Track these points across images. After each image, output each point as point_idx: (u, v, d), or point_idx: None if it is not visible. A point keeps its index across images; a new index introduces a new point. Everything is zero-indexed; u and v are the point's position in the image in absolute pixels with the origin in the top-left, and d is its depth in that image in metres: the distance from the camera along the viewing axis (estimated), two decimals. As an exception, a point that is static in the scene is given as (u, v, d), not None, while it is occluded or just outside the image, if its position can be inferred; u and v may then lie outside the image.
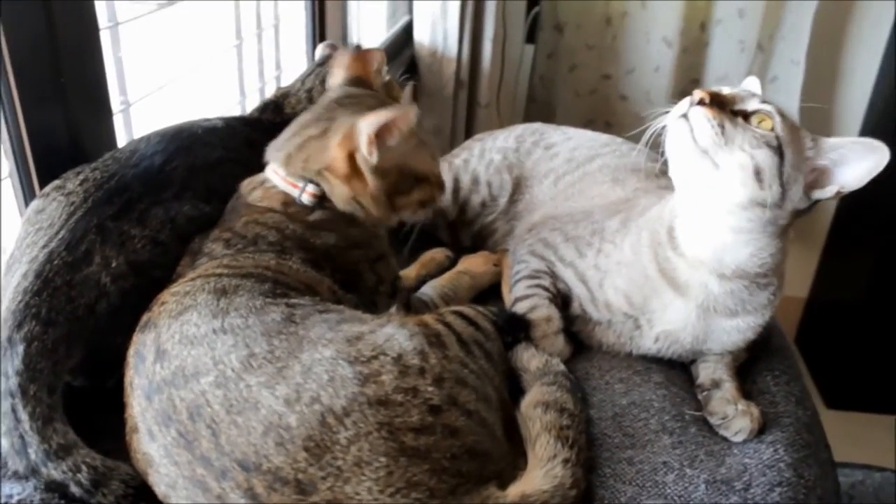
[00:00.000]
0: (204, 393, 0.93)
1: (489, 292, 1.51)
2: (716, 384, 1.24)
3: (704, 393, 1.23)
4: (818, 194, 1.15)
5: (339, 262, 1.22)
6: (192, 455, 0.91)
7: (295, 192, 1.19)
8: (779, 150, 1.09)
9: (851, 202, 3.21)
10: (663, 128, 1.16)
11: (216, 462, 0.90)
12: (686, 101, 1.12)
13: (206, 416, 0.92)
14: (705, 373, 1.27)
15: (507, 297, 1.43)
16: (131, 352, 1.02)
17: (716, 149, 1.09)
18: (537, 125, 1.69)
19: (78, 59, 1.24)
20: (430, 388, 0.97)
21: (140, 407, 0.98)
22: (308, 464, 0.88)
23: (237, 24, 1.87)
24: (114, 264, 1.10)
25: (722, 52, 3.08)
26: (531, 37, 3.18)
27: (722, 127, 1.09)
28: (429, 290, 1.45)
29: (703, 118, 1.09)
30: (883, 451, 2.95)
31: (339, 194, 1.20)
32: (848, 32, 3.16)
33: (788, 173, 1.11)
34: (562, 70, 3.18)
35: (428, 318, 1.13)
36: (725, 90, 1.15)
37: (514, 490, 0.97)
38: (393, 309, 1.26)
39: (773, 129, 1.10)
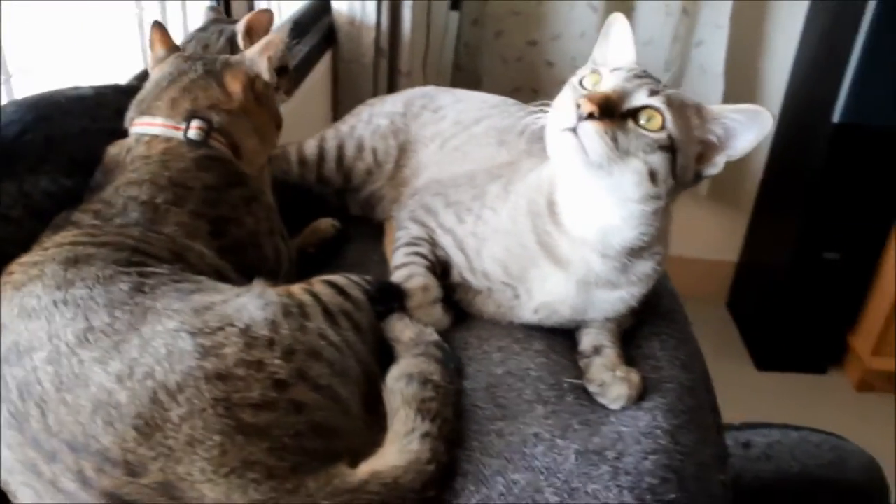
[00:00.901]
0: (35, 369, 0.87)
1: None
2: (597, 351, 1.18)
3: (585, 360, 1.17)
4: (708, 170, 1.09)
5: (219, 209, 1.17)
6: (24, 437, 0.85)
7: (179, 133, 1.18)
8: (671, 148, 1.02)
9: (778, 165, 3.22)
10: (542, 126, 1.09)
11: (45, 444, 0.84)
12: (571, 110, 1.00)
13: (36, 395, 0.86)
14: (587, 339, 1.21)
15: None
16: None
17: (610, 163, 1.01)
18: (429, 88, 1.60)
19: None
20: (276, 362, 0.91)
21: None
22: (137, 444, 0.82)
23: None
24: None
25: (647, 17, 3.01)
26: (455, 4, 3.09)
27: (615, 140, 1.00)
28: None
29: (595, 135, 0.98)
30: (810, 410, 2.96)
31: (237, 125, 1.24)
32: (770, -3, 3.12)
33: (681, 165, 1.04)
34: (487, 37, 3.09)
35: (295, 287, 1.07)
36: (610, 83, 1.04)
37: (365, 468, 0.91)
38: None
39: (664, 127, 1.02)
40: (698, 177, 1.10)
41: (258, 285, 1.04)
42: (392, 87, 2.74)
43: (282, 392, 0.89)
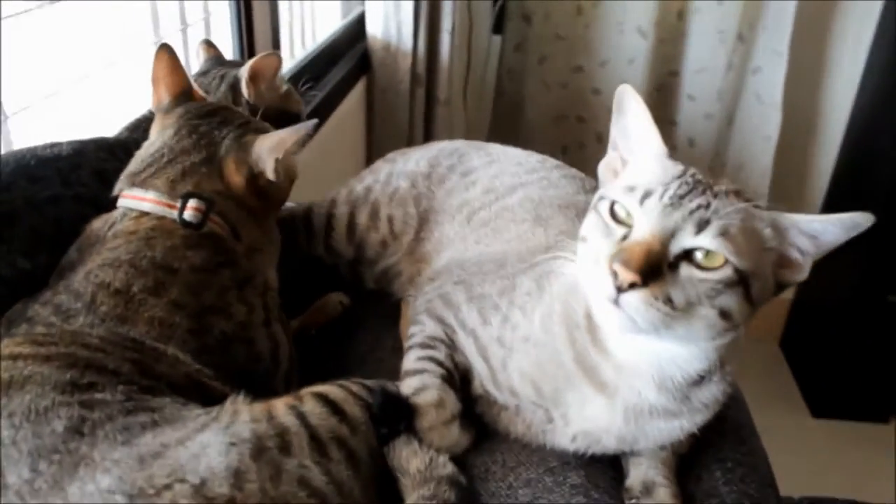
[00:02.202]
0: None
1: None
2: (647, 490, 0.92)
3: (633, 501, 0.92)
4: (793, 278, 0.82)
5: (203, 297, 0.96)
6: None
7: (172, 213, 1.00)
8: (742, 280, 0.77)
9: (840, 198, 2.90)
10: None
11: None
12: (606, 281, 0.76)
13: None
14: (636, 473, 0.95)
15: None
16: None
17: (669, 321, 0.75)
18: (459, 143, 1.33)
19: None
20: None
21: None
22: None
23: (154, 20, 1.53)
24: None
25: (700, 43, 2.73)
26: (498, 28, 2.84)
27: (669, 302, 0.75)
28: None
29: (642, 305, 0.74)
30: (871, 463, 2.65)
31: (235, 212, 1.07)
32: (834, 21, 2.81)
33: (757, 289, 0.78)
34: (531, 62, 2.85)
35: (279, 405, 0.84)
36: (645, 224, 0.77)
37: None
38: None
39: (726, 262, 0.76)
40: (781, 287, 0.83)
41: (231, 407, 0.81)
42: (429, 116, 2.52)
43: None
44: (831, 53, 2.84)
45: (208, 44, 1.44)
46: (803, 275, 0.82)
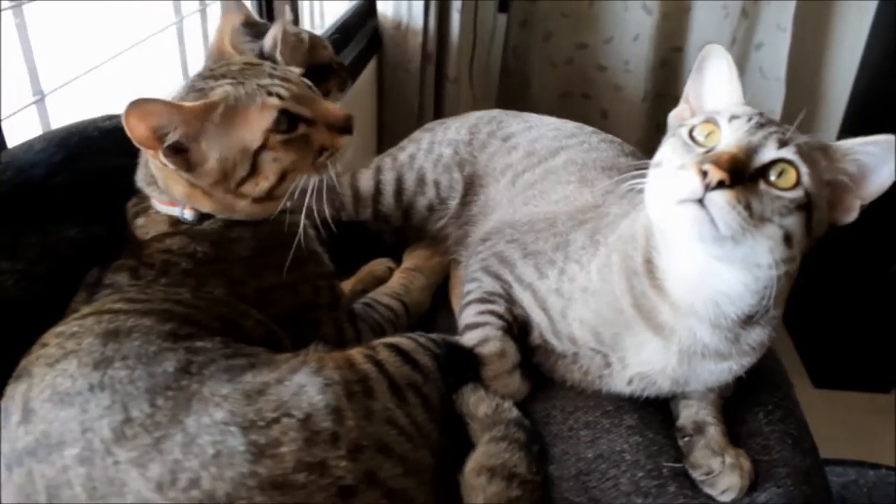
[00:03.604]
0: (66, 469, 0.73)
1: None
2: (699, 428, 1.01)
3: (686, 439, 1.00)
4: (842, 218, 0.91)
5: (265, 279, 1.00)
6: None
7: (176, 211, 1.00)
8: (808, 206, 0.84)
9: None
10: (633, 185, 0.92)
11: None
12: (693, 179, 0.81)
13: (66, 500, 0.72)
14: (686, 413, 1.03)
15: (458, 314, 1.20)
16: (1, 405, 0.80)
17: (742, 232, 0.82)
18: (495, 112, 1.41)
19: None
20: (342, 464, 0.76)
21: (3, 478, 0.77)
22: None
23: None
24: None
25: (704, 19, 2.82)
26: (503, 5, 2.91)
27: (748, 208, 0.81)
28: (377, 295, 1.22)
29: (728, 206, 0.80)
30: (872, 433, 2.75)
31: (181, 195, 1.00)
32: (836, -3, 2.90)
33: (817, 220, 0.86)
34: (536, 40, 2.91)
35: (356, 353, 0.91)
36: (731, 137, 0.86)
37: None
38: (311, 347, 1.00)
39: (798, 183, 0.83)
40: (831, 227, 0.91)
41: (314, 354, 0.88)
42: (439, 95, 2.58)
43: (349, 501, 0.75)
44: (834, 28, 2.93)
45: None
46: (853, 214, 0.90)
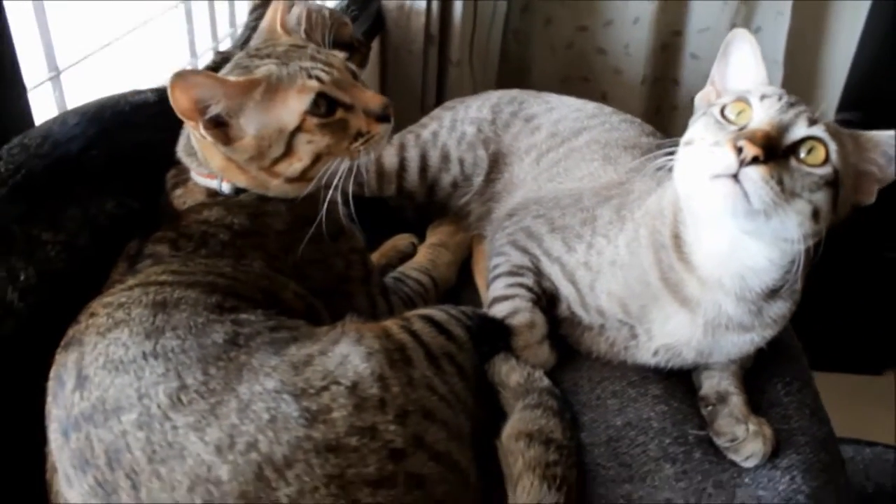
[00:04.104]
0: (125, 434, 0.76)
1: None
2: (722, 398, 1.05)
3: (709, 408, 1.05)
4: (864, 200, 0.96)
5: (300, 253, 1.03)
6: None
7: (214, 183, 1.03)
8: (835, 183, 0.89)
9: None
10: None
11: None
12: (728, 155, 0.85)
13: (126, 464, 0.75)
14: (709, 384, 1.08)
15: (483, 290, 1.23)
16: (52, 373, 0.84)
17: (774, 206, 0.86)
18: (515, 92, 1.45)
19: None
20: (391, 428, 0.80)
21: (57, 444, 0.80)
22: None
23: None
24: (22, 277, 0.90)
25: (704, 3, 2.84)
26: (504, -11, 2.93)
27: (781, 183, 0.85)
28: (406, 269, 1.26)
29: (761, 181, 0.84)
30: (866, 413, 2.82)
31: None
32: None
33: (842, 198, 0.91)
34: (537, 24, 2.93)
35: (391, 324, 0.94)
36: (763, 115, 0.90)
37: None
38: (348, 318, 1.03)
39: (827, 160, 0.88)
40: (853, 208, 0.96)
41: (351, 325, 0.91)
42: (442, 77, 2.60)
43: (399, 463, 0.78)
44: (832, 12, 2.97)
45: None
46: (872, 198, 0.95)
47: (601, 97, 2.94)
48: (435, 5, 2.42)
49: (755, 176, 0.84)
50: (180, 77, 0.90)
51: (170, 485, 0.73)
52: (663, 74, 2.97)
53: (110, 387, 0.78)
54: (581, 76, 2.99)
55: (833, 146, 0.88)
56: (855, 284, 2.97)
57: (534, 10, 2.93)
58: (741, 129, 0.90)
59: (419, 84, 2.52)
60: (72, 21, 1.29)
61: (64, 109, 1.21)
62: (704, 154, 0.89)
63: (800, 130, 0.88)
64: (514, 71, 3.02)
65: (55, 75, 1.19)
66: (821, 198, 0.88)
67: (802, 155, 0.88)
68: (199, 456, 0.74)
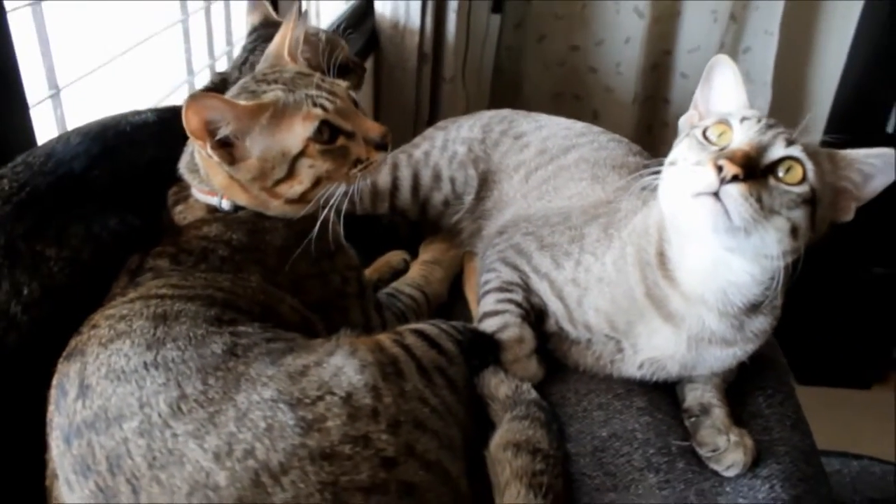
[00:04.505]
0: (126, 441, 0.79)
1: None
2: (704, 410, 1.09)
3: (692, 419, 1.09)
4: (841, 217, 1.00)
5: (297, 269, 1.07)
6: None
7: (214, 200, 1.07)
8: (813, 201, 0.94)
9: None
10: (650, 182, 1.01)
11: None
12: (709, 174, 0.89)
13: (127, 470, 0.77)
14: (692, 396, 1.12)
15: (474, 305, 1.27)
16: (54, 382, 0.86)
17: (754, 223, 0.91)
18: (506, 112, 1.50)
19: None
20: (383, 437, 0.83)
21: (58, 450, 0.83)
22: None
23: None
24: (25, 291, 0.94)
25: (694, 23, 2.91)
26: (497, 6, 2.98)
27: (759, 201, 0.90)
28: (400, 285, 1.30)
29: (741, 198, 0.89)
30: (853, 428, 2.86)
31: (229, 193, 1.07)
32: (822, 2, 3.00)
33: (820, 216, 0.96)
34: (530, 41, 3.00)
35: (384, 338, 0.98)
36: (743, 136, 0.95)
37: None
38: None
39: (804, 179, 0.93)
40: (831, 225, 1.01)
41: (346, 338, 0.95)
42: (435, 95, 2.65)
43: (391, 472, 0.81)
44: (819, 32, 3.04)
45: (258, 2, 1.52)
46: (850, 215, 1.00)
47: (592, 115, 3.00)
48: (429, 23, 2.47)
49: (735, 193, 0.89)
50: (194, 99, 0.95)
51: (169, 490, 0.76)
52: (654, 93, 3.03)
53: (112, 395, 0.81)
54: (573, 94, 3.05)
55: (810, 165, 0.92)
56: (845, 300, 3.01)
57: (527, 27, 2.99)
58: (722, 149, 0.94)
59: (413, 101, 2.56)
60: (70, 40, 1.33)
61: (64, 127, 1.25)
62: (687, 173, 0.94)
63: (778, 151, 0.93)
64: (506, 87, 3.08)
65: (55, 93, 1.22)
66: (799, 215, 0.92)
67: (781, 174, 0.92)
68: (198, 462, 0.76)
